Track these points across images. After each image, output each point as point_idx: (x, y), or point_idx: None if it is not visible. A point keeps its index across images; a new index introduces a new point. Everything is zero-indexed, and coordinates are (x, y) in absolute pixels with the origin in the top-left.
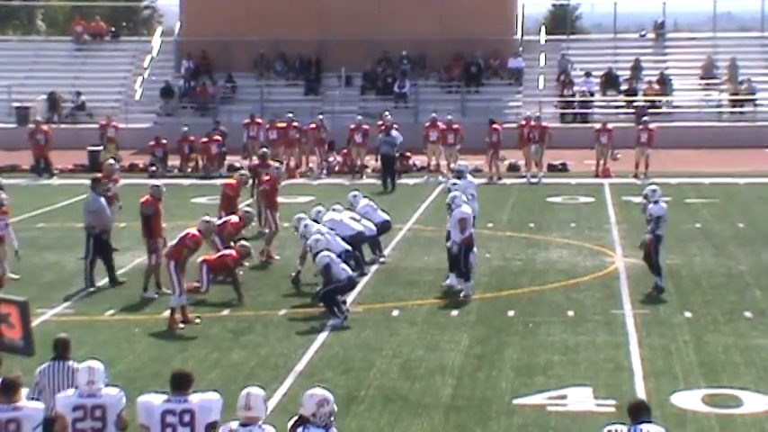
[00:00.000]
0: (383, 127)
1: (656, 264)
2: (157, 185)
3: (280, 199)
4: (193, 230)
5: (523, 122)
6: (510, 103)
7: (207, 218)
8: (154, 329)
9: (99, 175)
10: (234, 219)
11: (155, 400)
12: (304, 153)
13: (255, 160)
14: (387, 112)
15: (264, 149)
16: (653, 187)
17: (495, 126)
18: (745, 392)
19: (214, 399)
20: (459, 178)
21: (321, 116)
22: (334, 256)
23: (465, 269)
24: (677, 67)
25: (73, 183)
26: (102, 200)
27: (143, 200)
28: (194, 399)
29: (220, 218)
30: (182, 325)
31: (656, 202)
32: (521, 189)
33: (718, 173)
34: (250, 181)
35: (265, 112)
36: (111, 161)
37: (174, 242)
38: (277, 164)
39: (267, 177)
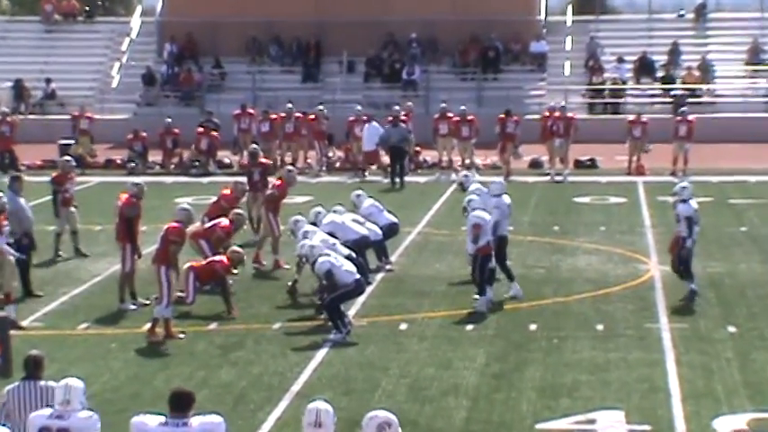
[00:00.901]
0: (392, 118)
1: (688, 268)
2: (139, 183)
3: None
4: (172, 223)
5: (547, 114)
6: (532, 92)
7: (184, 205)
8: (133, 345)
9: (54, 174)
10: (224, 222)
11: (150, 423)
12: (302, 147)
13: (245, 158)
14: (409, 103)
15: (255, 146)
16: (683, 184)
17: (504, 117)
18: None
19: (217, 422)
20: (463, 190)
21: (321, 106)
22: (334, 260)
23: (480, 281)
24: (720, 52)
25: (42, 180)
26: (22, 200)
27: (124, 200)
28: (195, 422)
29: (203, 223)
30: (181, 336)
31: (684, 201)
32: (544, 188)
33: (766, 170)
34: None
35: (258, 101)
36: (68, 158)
37: (158, 244)
38: (290, 167)
39: (279, 182)
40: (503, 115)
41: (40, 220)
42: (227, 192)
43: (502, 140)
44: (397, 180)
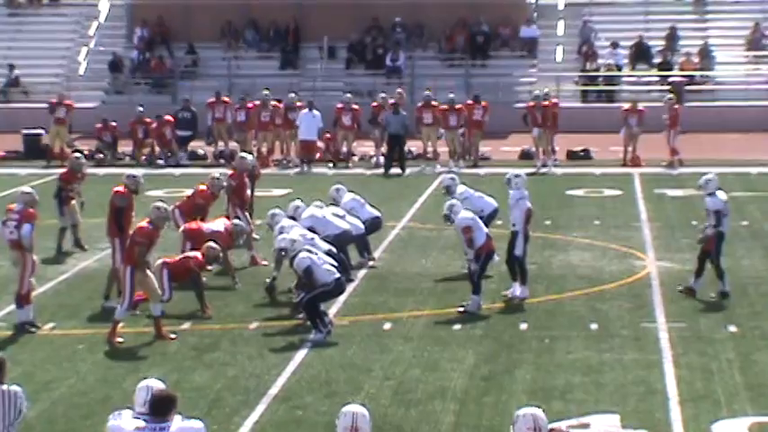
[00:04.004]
0: (392, 104)
1: (718, 265)
2: (134, 175)
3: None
4: (142, 222)
5: (532, 104)
6: (522, 79)
7: (159, 203)
8: (101, 346)
9: (62, 172)
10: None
11: (127, 428)
12: (278, 137)
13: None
14: (399, 89)
15: (248, 153)
16: (708, 176)
17: (471, 103)
18: None
19: (197, 427)
20: (449, 193)
21: (293, 94)
22: (315, 257)
23: (478, 279)
24: (720, 37)
25: (5, 173)
26: None
27: (116, 190)
28: (174, 427)
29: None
30: (120, 339)
31: (711, 194)
32: (535, 180)
33: None
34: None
35: (234, 89)
36: (78, 155)
37: (127, 244)
38: (244, 153)
39: (231, 171)
40: (470, 102)
41: (2, 214)
42: (203, 188)
43: (468, 128)
44: (392, 168)
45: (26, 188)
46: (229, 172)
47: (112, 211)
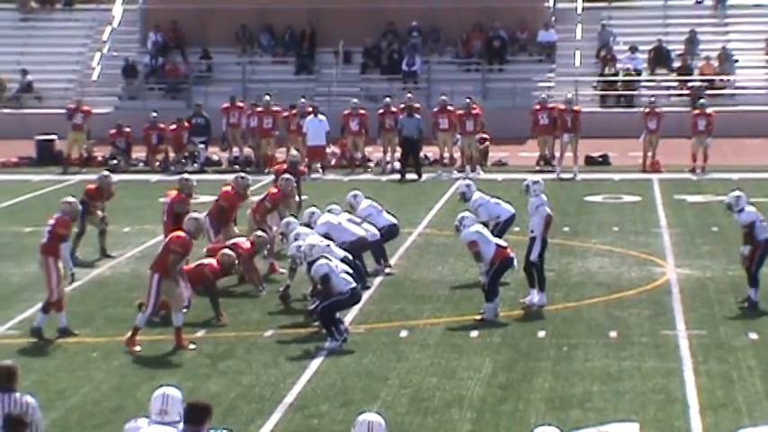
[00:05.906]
0: (404, 107)
1: (754, 274)
2: (187, 179)
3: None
4: (178, 232)
5: (563, 107)
6: (540, 84)
7: (195, 214)
8: (115, 354)
9: (90, 186)
10: (245, 243)
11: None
12: (294, 143)
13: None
14: (409, 94)
15: (296, 153)
16: (736, 194)
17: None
18: None
19: None
20: (464, 200)
21: (303, 99)
22: (332, 264)
23: (490, 287)
24: (740, 41)
25: (18, 179)
26: None
27: (173, 196)
28: None
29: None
30: (138, 348)
31: (741, 211)
32: (553, 186)
33: None
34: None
35: (248, 94)
36: (107, 173)
37: (159, 251)
38: (288, 174)
39: (275, 190)
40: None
41: (15, 222)
42: (228, 189)
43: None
44: (408, 174)
45: (69, 198)
46: (273, 190)
47: (171, 216)
